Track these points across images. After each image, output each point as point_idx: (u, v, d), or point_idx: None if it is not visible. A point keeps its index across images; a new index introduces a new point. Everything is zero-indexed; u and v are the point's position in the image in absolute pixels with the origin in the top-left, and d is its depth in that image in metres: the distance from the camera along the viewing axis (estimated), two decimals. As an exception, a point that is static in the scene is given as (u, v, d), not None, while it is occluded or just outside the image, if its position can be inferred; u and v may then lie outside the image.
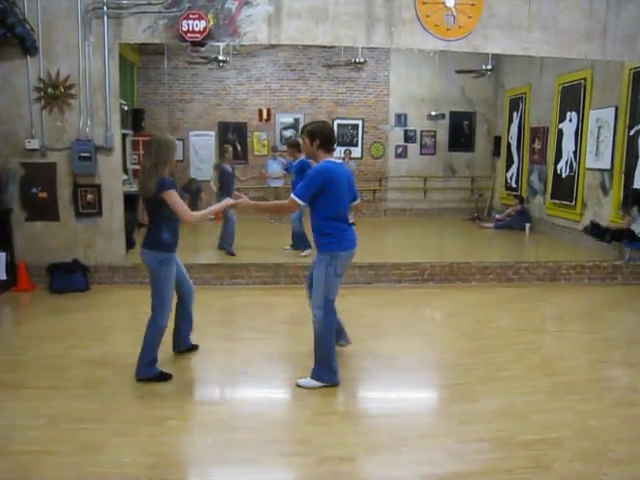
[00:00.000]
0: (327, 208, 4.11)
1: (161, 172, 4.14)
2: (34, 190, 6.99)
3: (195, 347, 4.94)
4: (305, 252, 8.28)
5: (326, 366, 4.23)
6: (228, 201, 4.41)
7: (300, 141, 6.48)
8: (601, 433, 3.57)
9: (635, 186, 8.42)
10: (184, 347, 4.85)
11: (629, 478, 3.10)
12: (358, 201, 4.54)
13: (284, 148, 12.23)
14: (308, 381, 4.23)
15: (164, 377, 4.34)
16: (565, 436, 3.52)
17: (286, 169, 8.89)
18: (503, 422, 3.72)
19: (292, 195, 4.11)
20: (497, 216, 11.94)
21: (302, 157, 8.33)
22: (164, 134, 4.75)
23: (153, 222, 4.26)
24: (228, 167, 8.73)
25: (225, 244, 8.63)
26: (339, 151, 10.36)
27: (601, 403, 4.03)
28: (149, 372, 4.31)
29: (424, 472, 3.14)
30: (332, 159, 4.19)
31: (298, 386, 4.23)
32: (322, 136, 4.14)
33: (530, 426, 3.66)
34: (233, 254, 8.42)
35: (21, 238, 7.08)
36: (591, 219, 8.90)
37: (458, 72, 11.49)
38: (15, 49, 6.64)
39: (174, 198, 4.11)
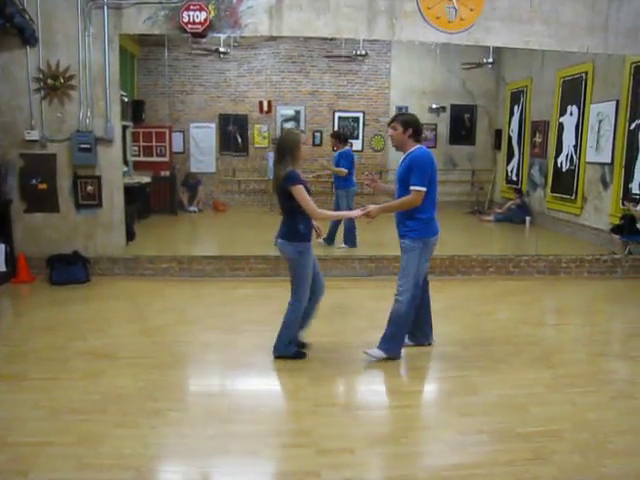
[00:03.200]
0: (427, 193, 4.29)
1: (289, 164, 4.26)
2: (34, 181, 6.98)
3: (303, 345, 4.79)
4: (344, 246, 8.31)
5: (398, 341, 4.57)
6: (359, 211, 4.49)
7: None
8: (601, 425, 3.58)
9: (636, 180, 8.41)
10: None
11: (628, 470, 3.11)
12: None
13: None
14: (376, 351, 4.53)
15: (300, 355, 4.61)
16: (565, 428, 3.53)
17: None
18: (503, 414, 3.72)
19: (413, 187, 4.27)
20: (497, 210, 11.91)
21: (346, 148, 8.46)
22: (292, 128, 4.83)
23: (287, 213, 4.38)
24: None
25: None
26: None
27: (601, 396, 4.04)
28: (287, 350, 4.55)
29: (424, 464, 3.15)
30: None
31: (365, 353, 4.54)
32: (415, 127, 4.39)
33: (530, 418, 3.67)
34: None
35: (21, 230, 7.07)
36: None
37: (464, 67, 11.45)
38: (14, 39, 6.61)
39: (302, 193, 4.22)
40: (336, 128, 12.67)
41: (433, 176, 4.35)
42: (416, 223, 4.38)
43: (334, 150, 8.79)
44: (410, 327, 4.76)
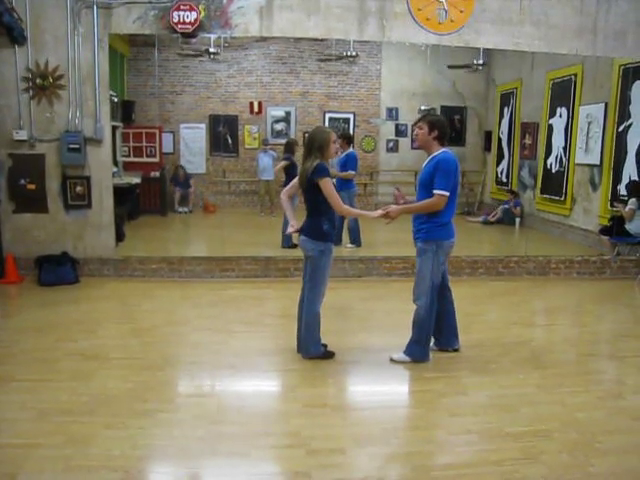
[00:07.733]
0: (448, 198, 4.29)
1: (319, 158, 4.24)
2: (22, 182, 6.93)
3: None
4: (351, 245, 8.39)
5: (422, 345, 4.56)
6: (380, 211, 4.41)
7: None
8: (589, 425, 3.60)
9: (624, 182, 8.48)
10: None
11: (616, 469, 3.13)
12: None
13: (275, 141, 12.25)
14: (401, 356, 4.57)
15: (328, 355, 4.61)
16: (554, 428, 3.54)
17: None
18: (492, 414, 3.74)
19: (437, 191, 4.26)
20: (487, 216, 11.83)
21: (350, 150, 8.48)
22: (322, 126, 4.79)
23: (314, 211, 4.35)
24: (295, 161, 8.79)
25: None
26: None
27: (589, 396, 4.06)
28: (316, 351, 4.55)
29: (414, 464, 3.15)
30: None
31: (392, 360, 4.57)
32: (441, 129, 4.36)
33: (519, 418, 3.69)
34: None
35: (9, 230, 7.02)
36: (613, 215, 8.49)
37: (450, 67, 11.46)
38: (2, 38, 6.55)
39: (330, 186, 4.22)
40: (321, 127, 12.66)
41: (455, 182, 4.35)
42: (429, 226, 4.37)
43: (336, 153, 8.75)
44: (433, 331, 4.75)
